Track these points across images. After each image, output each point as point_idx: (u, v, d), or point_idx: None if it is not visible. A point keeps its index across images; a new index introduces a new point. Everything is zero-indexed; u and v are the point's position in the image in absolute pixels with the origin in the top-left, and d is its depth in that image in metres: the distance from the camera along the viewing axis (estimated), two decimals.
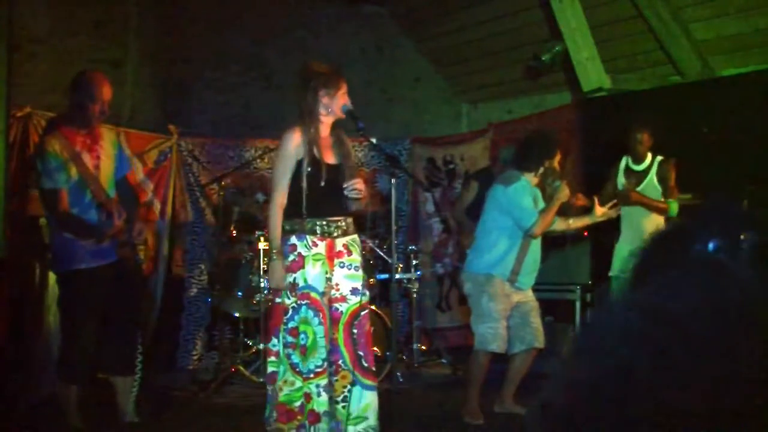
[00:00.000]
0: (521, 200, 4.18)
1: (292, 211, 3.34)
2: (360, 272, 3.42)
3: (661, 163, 5.02)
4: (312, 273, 3.27)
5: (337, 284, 3.35)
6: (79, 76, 3.82)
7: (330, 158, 3.39)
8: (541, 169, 4.31)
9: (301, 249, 3.28)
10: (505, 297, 4.22)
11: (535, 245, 4.32)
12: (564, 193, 4.22)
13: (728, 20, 6.00)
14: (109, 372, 3.96)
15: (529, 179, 4.29)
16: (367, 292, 3.46)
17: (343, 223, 3.41)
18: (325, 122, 3.41)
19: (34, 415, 4.24)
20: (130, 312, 3.93)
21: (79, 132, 3.76)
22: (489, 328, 4.17)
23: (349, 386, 3.31)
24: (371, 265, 5.75)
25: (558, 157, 4.36)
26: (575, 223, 4.48)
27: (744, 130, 5.44)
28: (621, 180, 5.11)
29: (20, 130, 5.30)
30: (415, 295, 5.93)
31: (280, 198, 3.34)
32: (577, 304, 5.71)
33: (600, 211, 4.41)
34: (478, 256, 4.31)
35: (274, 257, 3.30)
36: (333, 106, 3.37)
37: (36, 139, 5.34)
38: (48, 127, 4.43)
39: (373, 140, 4.03)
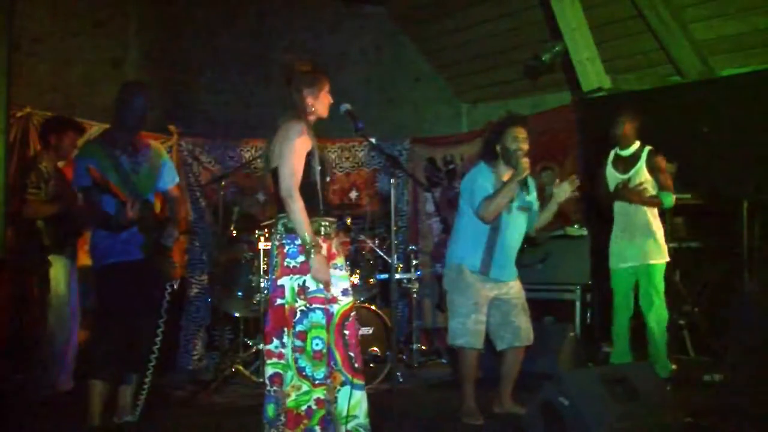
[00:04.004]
0: (473, 183, 4.12)
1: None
2: (346, 273, 3.40)
3: (650, 153, 4.99)
4: None
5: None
6: (124, 86, 4.06)
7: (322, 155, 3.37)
8: (496, 154, 4.17)
9: None
10: (477, 290, 4.14)
11: (509, 236, 4.20)
12: (521, 169, 4.02)
13: (728, 20, 6.00)
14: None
15: (494, 168, 4.19)
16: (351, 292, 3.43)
17: (335, 225, 3.40)
18: (309, 120, 3.37)
19: (34, 414, 4.23)
20: (151, 312, 3.98)
21: (122, 138, 3.95)
22: (458, 323, 4.14)
23: (339, 386, 3.30)
24: (371, 265, 5.75)
25: (512, 137, 4.13)
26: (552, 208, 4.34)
27: (744, 130, 5.44)
28: (610, 171, 5.10)
29: (20, 130, 5.30)
30: (415, 295, 5.93)
31: (298, 190, 3.17)
32: (577, 304, 5.71)
33: (562, 190, 4.20)
34: (450, 246, 4.31)
35: (314, 252, 3.13)
36: (316, 106, 3.34)
37: (36, 139, 5.36)
38: (61, 126, 4.79)
39: (373, 140, 4.01)
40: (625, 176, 5.01)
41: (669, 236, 5.25)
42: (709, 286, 5.56)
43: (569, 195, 4.26)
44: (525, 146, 4.16)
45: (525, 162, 4.05)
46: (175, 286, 4.15)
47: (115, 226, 3.81)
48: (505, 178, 4.18)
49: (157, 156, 4.09)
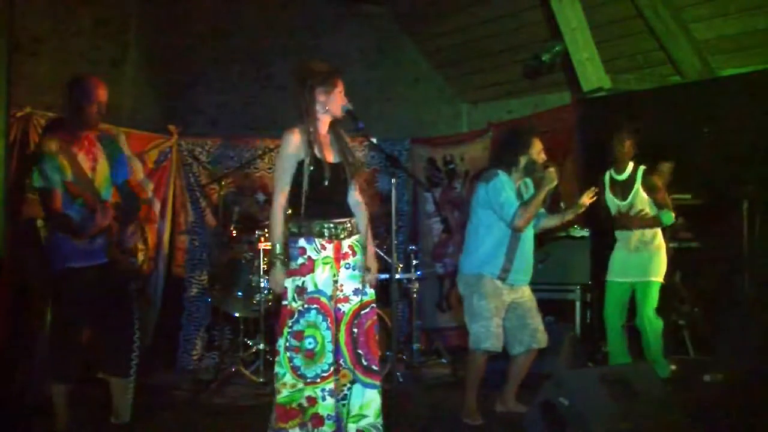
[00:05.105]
0: (500, 194, 4.15)
1: (297, 213, 3.32)
2: (362, 272, 3.41)
3: (645, 174, 4.98)
4: (321, 277, 3.26)
5: (341, 285, 3.35)
6: (74, 80, 3.88)
7: (331, 157, 3.39)
8: (520, 165, 4.28)
9: (310, 252, 3.27)
10: (497, 296, 4.20)
11: (527, 240, 4.28)
12: (549, 178, 4.16)
13: (728, 20, 6.00)
14: (104, 372, 3.96)
15: (510, 176, 4.27)
16: (370, 291, 3.44)
17: (349, 225, 3.41)
18: (323, 120, 3.41)
19: (34, 415, 4.23)
20: (124, 314, 3.92)
21: (77, 134, 3.81)
22: (481, 326, 4.16)
23: (348, 384, 3.32)
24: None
25: (537, 149, 4.29)
26: (567, 216, 4.46)
27: (744, 130, 5.44)
28: (609, 195, 5.09)
29: (20, 130, 5.30)
30: (415, 295, 5.93)
31: (281, 200, 3.32)
32: (577, 304, 5.71)
33: (585, 200, 4.39)
34: (467, 256, 4.32)
35: (276, 262, 3.27)
36: (330, 104, 3.37)
37: (36, 140, 5.34)
38: (47, 128, 4.44)
39: (373, 140, 4.02)
40: (625, 203, 5.01)
41: (669, 236, 5.25)
42: (709, 286, 5.56)
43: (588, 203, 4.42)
44: (543, 156, 4.32)
45: (553, 173, 4.17)
46: (137, 285, 4.10)
47: (83, 233, 3.69)
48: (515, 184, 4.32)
49: (112, 148, 3.96)
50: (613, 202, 5.08)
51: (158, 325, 6.11)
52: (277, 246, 3.28)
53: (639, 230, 4.97)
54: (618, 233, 5.09)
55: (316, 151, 3.31)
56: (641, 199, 4.97)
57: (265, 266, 5.28)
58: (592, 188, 4.46)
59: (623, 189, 5.03)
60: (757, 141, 5.38)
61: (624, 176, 5.03)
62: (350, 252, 3.39)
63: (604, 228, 5.21)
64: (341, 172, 3.38)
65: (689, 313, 5.54)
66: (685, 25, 6.13)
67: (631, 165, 5.02)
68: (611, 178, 5.10)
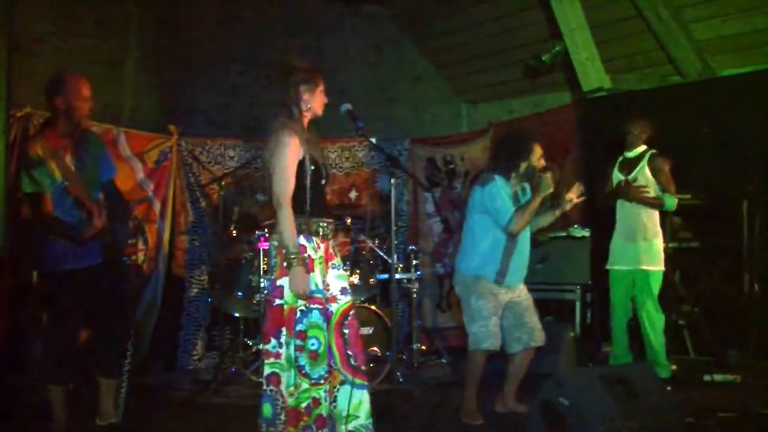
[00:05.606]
0: (496, 199, 4.16)
1: (296, 209, 3.23)
2: (344, 272, 3.43)
3: (653, 156, 5.03)
4: (319, 277, 3.25)
5: (328, 285, 3.33)
6: (59, 79, 3.81)
7: (318, 157, 3.37)
8: (520, 170, 4.28)
9: (310, 251, 3.24)
10: (493, 296, 4.21)
11: (523, 242, 4.29)
12: (546, 184, 4.14)
13: (728, 20, 6.01)
14: (94, 372, 3.94)
15: (508, 181, 4.27)
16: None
17: (333, 225, 3.41)
18: (305, 118, 3.36)
19: (33, 415, 4.23)
20: (118, 314, 3.89)
21: (63, 134, 3.76)
22: (480, 326, 4.17)
23: (338, 386, 3.29)
24: (371, 265, 5.75)
25: (538, 155, 4.28)
26: (556, 213, 4.41)
27: (744, 130, 5.44)
28: (617, 174, 5.13)
29: (20, 130, 5.29)
30: (415, 295, 5.93)
31: (288, 199, 3.21)
32: (577, 304, 5.71)
33: (571, 196, 4.31)
34: (464, 258, 4.33)
35: (295, 263, 3.14)
36: (312, 102, 3.33)
37: None
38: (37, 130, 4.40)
39: (373, 140, 4.02)
40: (628, 177, 5.04)
41: (669, 236, 5.25)
42: (709, 286, 5.56)
43: (576, 201, 4.34)
44: (543, 162, 4.31)
45: (549, 178, 4.16)
46: (131, 286, 4.07)
47: (80, 237, 3.64)
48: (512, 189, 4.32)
49: (97, 147, 3.92)
50: (618, 177, 5.12)
51: (158, 325, 6.10)
52: (290, 247, 3.16)
53: (634, 215, 4.97)
54: (618, 214, 5.08)
55: (310, 150, 3.30)
56: (645, 177, 5.01)
57: (265, 266, 5.28)
58: (578, 184, 4.38)
59: (630, 165, 5.09)
60: (757, 141, 5.38)
61: (633, 154, 5.10)
62: (333, 253, 3.40)
63: (607, 207, 5.19)
64: (326, 172, 3.38)
65: (689, 313, 5.54)
66: (685, 25, 6.13)
67: (643, 146, 5.08)
68: (623, 158, 5.16)
